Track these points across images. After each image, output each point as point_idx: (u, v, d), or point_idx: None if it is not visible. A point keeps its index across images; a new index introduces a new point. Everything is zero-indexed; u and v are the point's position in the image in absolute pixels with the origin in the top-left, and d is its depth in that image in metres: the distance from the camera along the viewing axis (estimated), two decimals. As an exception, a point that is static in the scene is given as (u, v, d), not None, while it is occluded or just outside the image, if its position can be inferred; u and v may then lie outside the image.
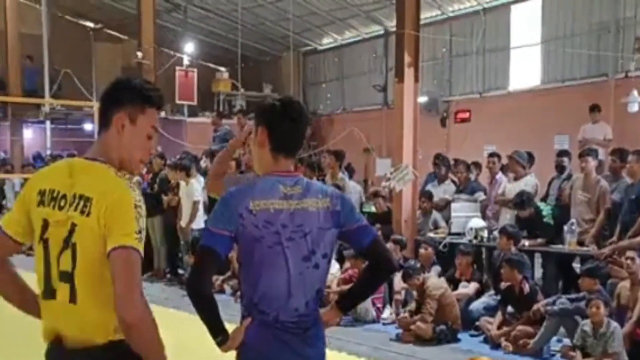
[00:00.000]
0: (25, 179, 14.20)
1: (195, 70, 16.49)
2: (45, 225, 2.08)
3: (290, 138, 2.42)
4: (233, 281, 8.36)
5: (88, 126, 16.21)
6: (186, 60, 17.02)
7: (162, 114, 15.75)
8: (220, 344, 2.32)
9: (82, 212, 2.01)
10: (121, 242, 1.95)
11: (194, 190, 9.24)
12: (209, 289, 2.35)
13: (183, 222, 9.32)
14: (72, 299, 2.04)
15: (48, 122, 16.93)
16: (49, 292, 2.09)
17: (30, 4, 17.52)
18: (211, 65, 18.94)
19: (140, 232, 1.99)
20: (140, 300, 1.97)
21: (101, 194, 2.01)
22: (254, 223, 2.29)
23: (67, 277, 2.04)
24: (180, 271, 9.64)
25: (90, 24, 20.37)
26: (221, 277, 8.66)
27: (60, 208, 2.05)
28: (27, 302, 2.24)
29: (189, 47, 17.43)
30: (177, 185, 9.53)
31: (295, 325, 2.36)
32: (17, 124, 17.01)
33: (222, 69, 18.25)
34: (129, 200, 2.00)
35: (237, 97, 17.34)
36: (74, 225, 2.02)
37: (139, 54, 13.98)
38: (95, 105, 12.99)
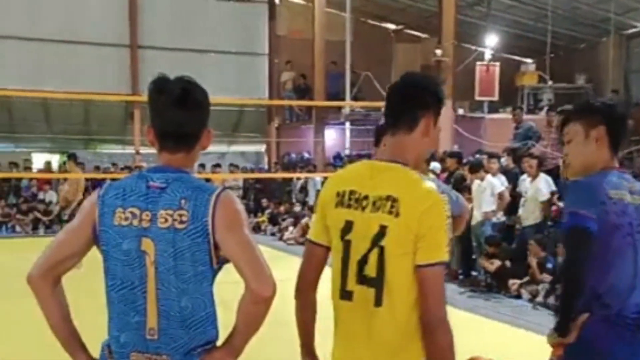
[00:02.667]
0: (326, 178, 15.23)
1: (498, 64, 16.05)
2: (348, 226, 2.11)
3: (625, 136, 2.64)
4: (532, 286, 7.94)
5: (385, 126, 16.74)
6: (488, 54, 16.64)
7: (460, 111, 15.60)
8: (557, 337, 2.42)
9: (390, 213, 2.03)
10: (436, 259, 2.00)
11: (493, 185, 9.06)
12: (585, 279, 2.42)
13: (473, 221, 9.06)
14: (378, 302, 2.05)
15: (348, 124, 17.99)
16: (345, 294, 2.12)
17: (336, 12, 18.74)
18: (515, 57, 18.25)
19: (449, 243, 2.04)
20: (448, 320, 2.01)
21: (410, 196, 2.02)
22: (615, 210, 2.44)
23: (372, 281, 2.06)
24: (474, 272, 9.49)
25: (392, 26, 21.14)
26: (518, 282, 8.25)
27: (363, 209, 2.08)
28: None
29: (491, 40, 17.01)
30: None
31: (633, 322, 2.41)
32: (320, 126, 18.44)
33: (528, 60, 17.47)
34: (443, 210, 2.02)
35: (545, 90, 16.42)
36: (383, 227, 2.03)
37: (438, 51, 14.06)
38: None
